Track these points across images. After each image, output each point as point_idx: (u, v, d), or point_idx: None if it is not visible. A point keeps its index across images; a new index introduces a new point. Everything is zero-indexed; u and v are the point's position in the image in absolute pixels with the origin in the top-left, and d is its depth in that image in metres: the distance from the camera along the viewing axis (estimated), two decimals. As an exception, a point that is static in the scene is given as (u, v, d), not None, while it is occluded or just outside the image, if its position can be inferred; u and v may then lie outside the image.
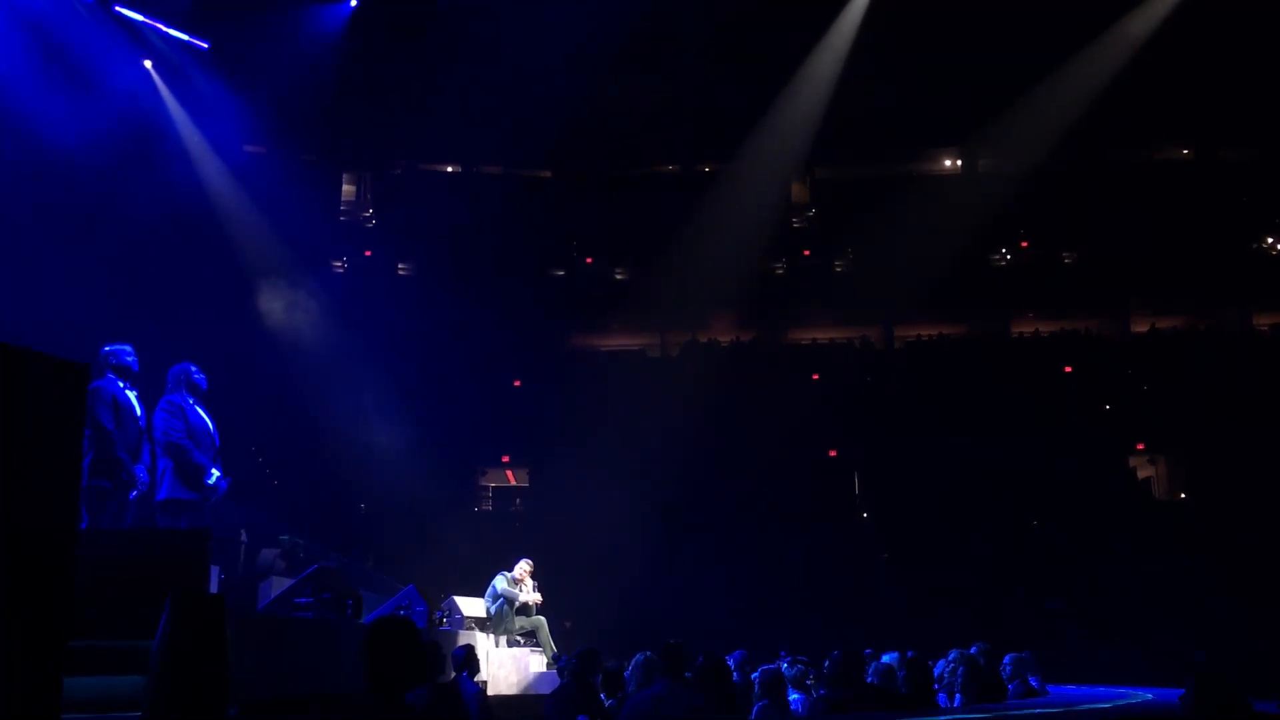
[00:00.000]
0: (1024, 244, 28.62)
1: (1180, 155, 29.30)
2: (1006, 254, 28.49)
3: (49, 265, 15.91)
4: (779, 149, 25.43)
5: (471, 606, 12.24)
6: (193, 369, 8.69)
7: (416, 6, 22.61)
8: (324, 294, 22.38)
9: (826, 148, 26.49)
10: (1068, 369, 26.48)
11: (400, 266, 27.75)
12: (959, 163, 29.74)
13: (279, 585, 9.45)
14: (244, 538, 10.86)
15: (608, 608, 17.88)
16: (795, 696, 8.14)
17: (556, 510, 22.33)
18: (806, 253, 28.94)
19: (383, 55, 23.36)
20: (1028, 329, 28.21)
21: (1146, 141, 28.48)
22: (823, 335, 28.69)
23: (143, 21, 18.63)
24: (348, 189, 29.54)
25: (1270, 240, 27.60)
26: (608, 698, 8.06)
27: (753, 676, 8.84)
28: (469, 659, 8.87)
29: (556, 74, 22.25)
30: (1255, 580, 18.83)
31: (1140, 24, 23.13)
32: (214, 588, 7.28)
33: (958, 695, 8.43)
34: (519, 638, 12.56)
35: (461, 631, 11.20)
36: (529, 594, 12.75)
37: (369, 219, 29.04)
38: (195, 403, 8.60)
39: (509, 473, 27.59)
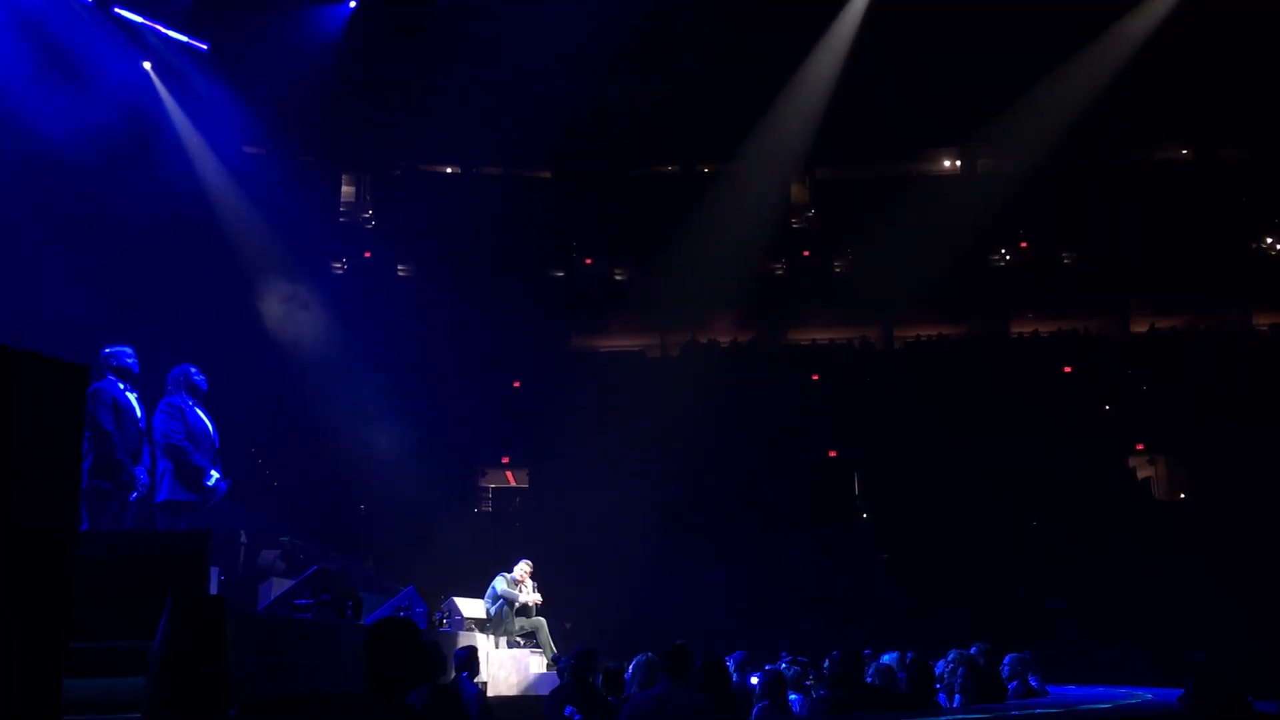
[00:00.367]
0: (1023, 244, 28.63)
1: (1180, 155, 29.30)
2: (1006, 254, 28.50)
3: (49, 266, 15.91)
4: (779, 149, 25.42)
5: (471, 607, 12.24)
6: (192, 371, 8.70)
7: (416, 7, 22.61)
8: (324, 295, 22.41)
9: (826, 148, 26.49)
10: (1067, 369, 26.48)
11: (400, 267, 27.75)
12: (958, 163, 29.74)
13: (279, 586, 9.45)
14: (244, 539, 10.85)
15: (608, 608, 17.87)
16: (793, 697, 8.14)
17: (556, 511, 22.33)
18: (806, 253, 28.95)
19: (382, 56, 23.35)
20: (1027, 329, 28.21)
21: (1146, 141, 28.48)
22: (822, 335, 28.69)
23: (142, 23, 18.62)
24: (347, 190, 29.54)
25: (1270, 240, 27.60)
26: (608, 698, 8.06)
27: (753, 677, 8.86)
28: (470, 660, 8.87)
29: (556, 74, 22.25)
30: (1255, 580, 18.82)
31: (1140, 23, 23.12)
32: (214, 589, 7.29)
33: (957, 695, 8.43)
34: (519, 639, 12.57)
35: (461, 632, 11.20)
36: (529, 594, 12.75)
37: (369, 220, 29.04)
38: (195, 404, 8.61)
39: (509, 473, 27.59)
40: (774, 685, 7.40)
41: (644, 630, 14.57)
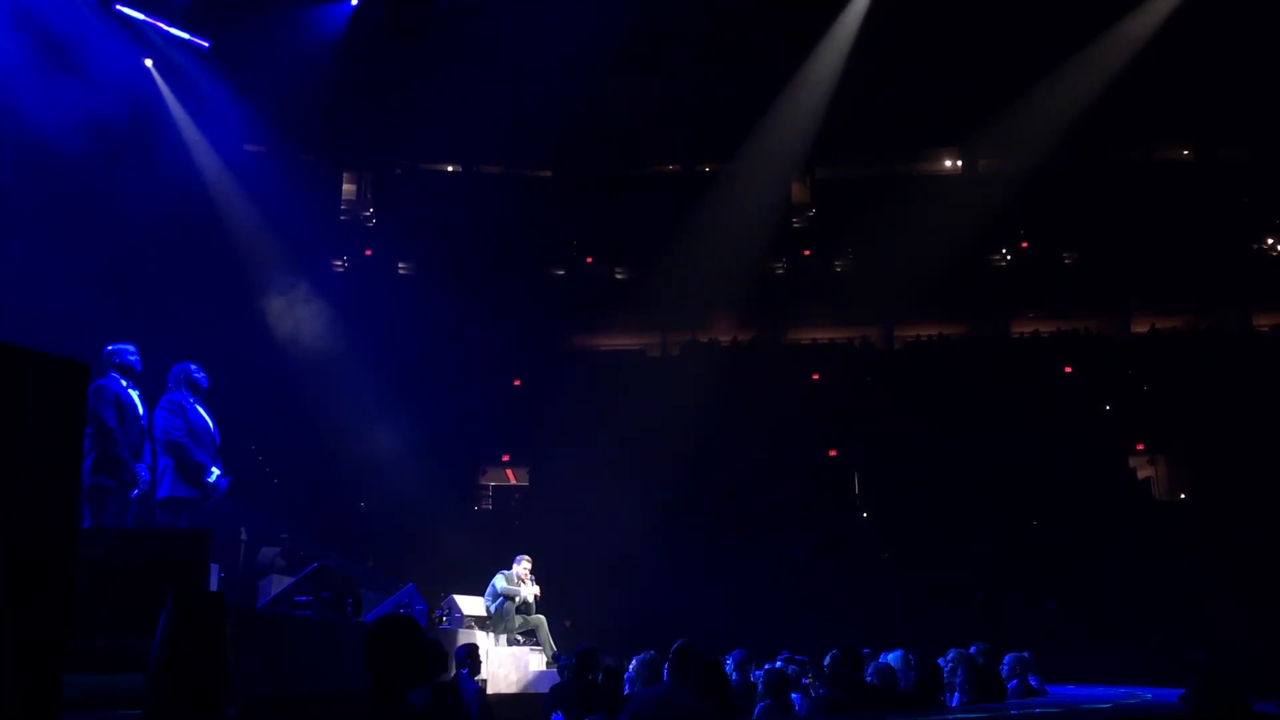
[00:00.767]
0: (1024, 244, 28.65)
1: (1180, 155, 29.31)
2: (1007, 254, 28.51)
3: (49, 264, 15.89)
4: (779, 149, 25.42)
5: (471, 605, 12.23)
6: (193, 368, 8.71)
7: (417, 6, 22.62)
8: (324, 293, 22.38)
9: (827, 147, 26.50)
10: (1068, 369, 26.48)
11: (400, 265, 27.76)
12: (959, 163, 29.74)
13: (279, 583, 9.44)
14: (244, 536, 10.84)
15: (607, 606, 17.88)
16: (793, 696, 8.14)
17: (556, 509, 22.32)
18: (806, 253, 28.97)
19: (383, 54, 23.36)
20: (1028, 329, 28.22)
21: (1147, 142, 28.50)
22: (823, 335, 28.70)
23: (143, 20, 18.61)
24: (348, 188, 29.54)
25: (1270, 241, 27.61)
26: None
27: (754, 675, 8.86)
28: (470, 658, 8.87)
29: (557, 73, 22.26)
30: (1256, 580, 18.82)
31: (1141, 24, 23.11)
32: (214, 586, 7.28)
33: (956, 694, 8.44)
34: (519, 636, 12.57)
35: (461, 630, 11.20)
36: (529, 588, 12.75)
37: (369, 218, 29.04)
38: (195, 401, 8.61)
39: (509, 472, 27.59)
40: (776, 684, 7.41)
41: (644, 629, 14.57)
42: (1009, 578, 20.86)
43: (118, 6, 18.00)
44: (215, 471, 8.48)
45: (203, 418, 8.60)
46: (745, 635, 13.19)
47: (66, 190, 17.52)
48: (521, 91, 23.11)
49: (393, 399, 21.25)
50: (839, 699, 6.91)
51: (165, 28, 18.90)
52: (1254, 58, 23.60)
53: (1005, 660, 9.55)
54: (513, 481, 27.64)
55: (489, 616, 12.38)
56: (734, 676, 8.91)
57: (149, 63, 19.81)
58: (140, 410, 8.23)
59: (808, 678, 9.32)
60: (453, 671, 8.72)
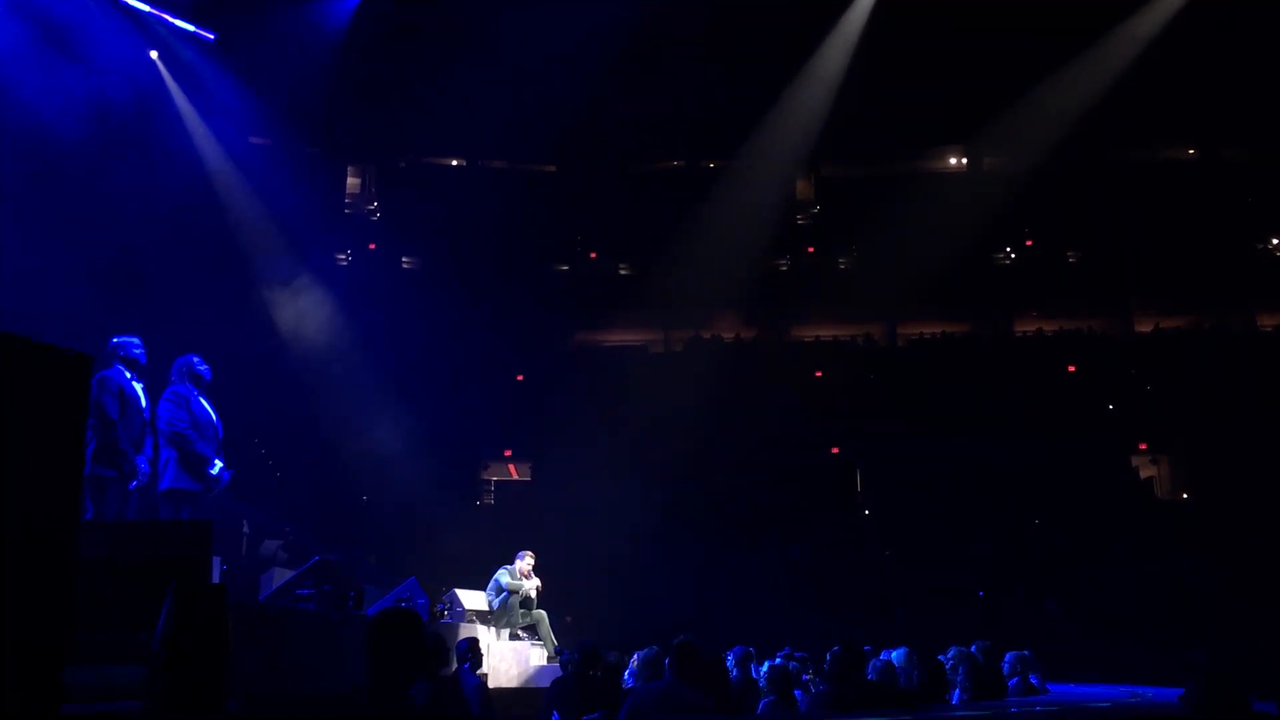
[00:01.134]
0: (1028, 243, 28.61)
1: (1184, 155, 29.27)
2: (1011, 252, 28.49)
3: (52, 257, 15.89)
4: (784, 146, 25.42)
5: (473, 599, 12.25)
6: (196, 360, 8.72)
7: (422, 2, 22.61)
8: (328, 286, 22.40)
9: (831, 145, 26.46)
10: (1071, 368, 26.45)
11: (404, 260, 27.76)
12: (964, 161, 29.70)
13: (280, 577, 9.46)
14: (246, 528, 10.86)
15: (609, 602, 17.90)
16: (794, 693, 8.15)
17: (559, 504, 22.33)
18: (810, 250, 28.95)
19: (388, 49, 23.37)
20: (1031, 328, 28.17)
21: (1151, 141, 28.45)
22: (826, 332, 28.67)
23: (149, 12, 18.61)
24: (352, 182, 29.56)
25: (1275, 241, 27.58)
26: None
27: (755, 672, 8.86)
28: (472, 652, 8.88)
29: (562, 69, 22.25)
30: (1258, 580, 18.81)
31: (1147, 23, 23.11)
32: (216, 578, 7.29)
33: (957, 692, 8.44)
34: (521, 631, 12.59)
35: (463, 624, 11.21)
36: (531, 584, 12.77)
37: (373, 212, 29.04)
38: (199, 394, 8.63)
39: (511, 466, 27.60)
40: (780, 680, 7.41)
41: (644, 625, 14.60)
42: (1011, 576, 20.86)
43: (124, -1, 18.02)
44: (218, 464, 8.50)
45: (206, 410, 8.63)
46: (746, 632, 13.20)
47: (70, 183, 17.53)
48: (526, 86, 23.09)
49: (395, 393, 21.27)
50: (839, 696, 6.91)
51: (171, 19, 18.90)
52: (1258, 57, 23.55)
53: (1006, 658, 9.56)
54: (515, 477, 27.65)
55: (491, 611, 12.40)
56: (734, 673, 8.93)
57: (154, 54, 19.82)
58: (143, 403, 8.26)
59: (808, 674, 9.34)
60: (454, 666, 8.73)
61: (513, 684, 11.32)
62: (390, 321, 22.67)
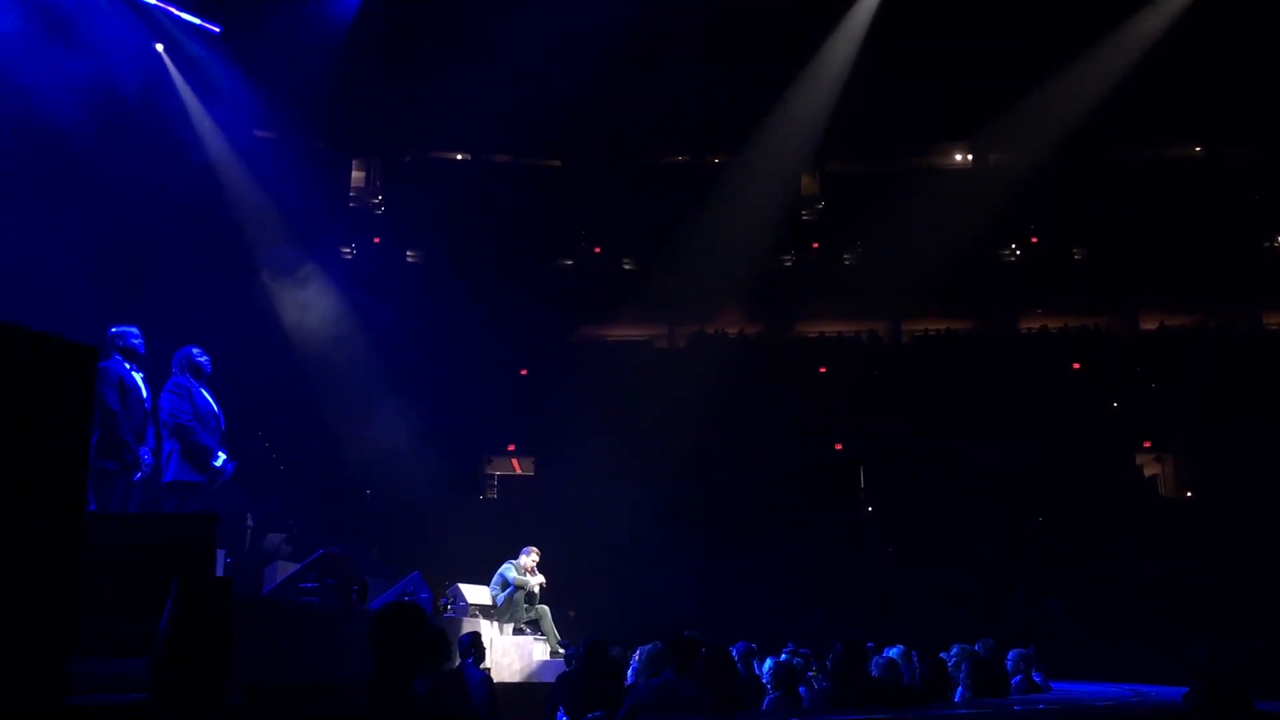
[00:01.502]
0: (1033, 240, 28.55)
1: (1190, 153, 29.20)
2: (1016, 250, 28.44)
3: (56, 247, 15.89)
4: (789, 142, 25.37)
5: (476, 594, 12.27)
6: (195, 352, 8.69)
7: (427, -5, 22.63)
8: (332, 280, 22.40)
9: (837, 141, 26.42)
10: (1075, 366, 26.42)
11: (409, 253, 27.73)
12: (969, 158, 29.65)
13: (284, 570, 9.48)
14: (250, 522, 10.87)
15: (612, 597, 17.91)
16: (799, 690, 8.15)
17: (562, 499, 22.34)
18: (815, 246, 28.90)
19: (394, 42, 23.33)
20: (1035, 326, 28.13)
21: (1157, 139, 28.37)
22: (830, 329, 28.63)
23: (154, 4, 18.61)
24: (357, 175, 29.53)
25: (1280, 240, 27.54)
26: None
27: (760, 668, 8.86)
28: (474, 646, 8.89)
29: (567, 63, 22.20)
30: (1260, 579, 18.79)
31: (1152, 21, 23.06)
32: (220, 571, 7.30)
33: (959, 690, 8.44)
34: (524, 626, 12.61)
35: (466, 619, 11.22)
36: (536, 579, 12.80)
37: (378, 205, 29.03)
38: (200, 385, 8.61)
39: (514, 461, 27.60)
40: (785, 677, 7.42)
41: (647, 620, 14.60)
42: (1013, 574, 20.84)
43: (129, -10, 18.02)
44: (222, 456, 8.49)
45: (208, 402, 8.61)
46: (749, 629, 13.21)
47: (74, 173, 17.52)
48: (531, 81, 23.05)
49: (399, 387, 21.28)
50: (841, 693, 6.91)
51: (176, 12, 18.90)
52: (1263, 55, 23.48)
53: (1009, 656, 9.56)
54: (518, 472, 27.66)
55: (494, 606, 12.42)
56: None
57: (160, 47, 19.82)
58: (144, 393, 8.23)
59: (812, 671, 9.34)
60: (457, 661, 8.74)
61: (515, 679, 11.34)
62: (394, 316, 22.66)
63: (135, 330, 8.30)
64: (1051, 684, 10.34)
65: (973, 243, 25.29)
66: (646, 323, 28.96)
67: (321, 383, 21.53)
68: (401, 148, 28.80)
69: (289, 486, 19.36)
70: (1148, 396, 25.76)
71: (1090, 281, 27.31)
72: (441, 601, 11.15)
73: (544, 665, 11.85)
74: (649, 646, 7.62)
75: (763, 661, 9.34)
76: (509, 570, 12.66)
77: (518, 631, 12.47)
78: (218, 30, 19.40)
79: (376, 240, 27.58)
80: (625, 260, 28.82)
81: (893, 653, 8.81)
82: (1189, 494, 25.33)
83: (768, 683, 7.73)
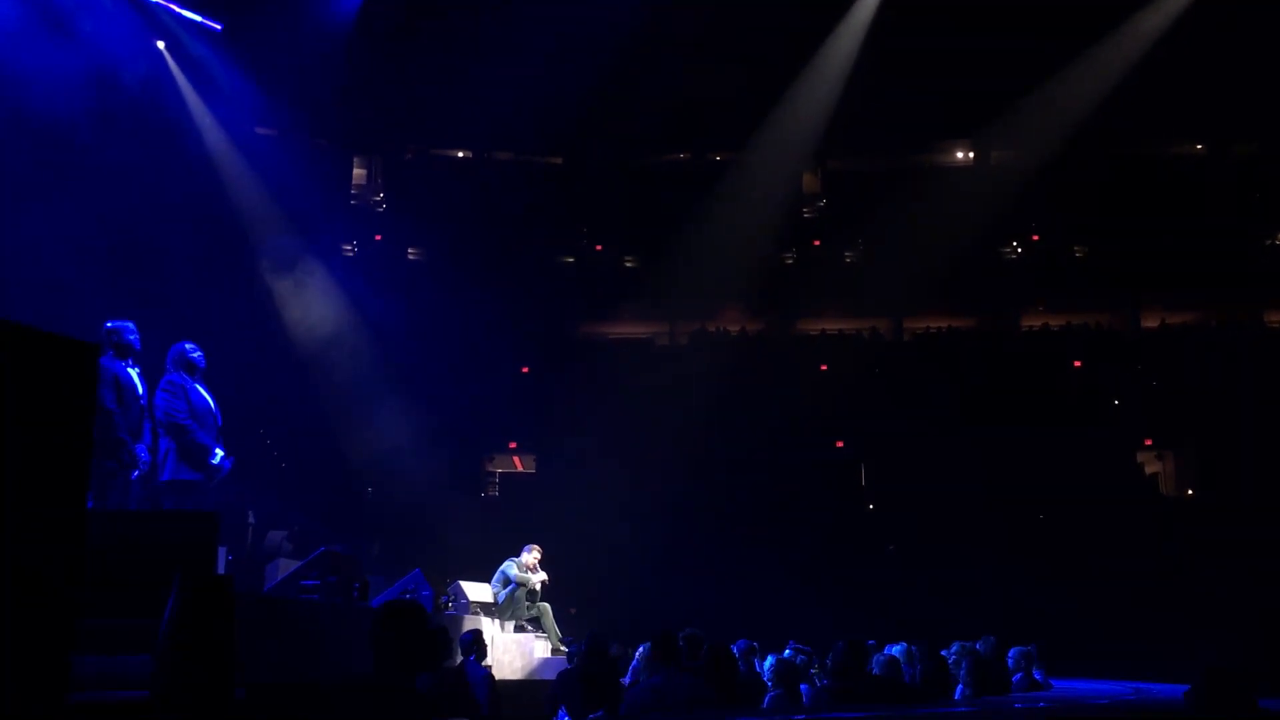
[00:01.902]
0: (1035, 237, 28.53)
1: (1193, 150, 29.17)
2: (1017, 247, 28.41)
3: (56, 244, 15.88)
4: (791, 139, 25.35)
5: (477, 591, 12.28)
6: (188, 348, 8.62)
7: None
8: (334, 277, 22.39)
9: (838, 138, 26.40)
10: (1077, 364, 26.41)
11: (410, 251, 27.72)
12: (971, 155, 29.62)
13: (286, 567, 9.48)
14: (252, 519, 10.89)
15: (613, 594, 17.92)
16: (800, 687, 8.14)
17: (563, 497, 22.32)
18: (817, 243, 28.88)
19: (395, 39, 23.31)
20: (1037, 323, 28.11)
21: (1158, 136, 28.34)
22: (832, 326, 28.61)
23: (156, 2, 18.60)
24: (358, 173, 29.49)
25: (1283, 237, 27.50)
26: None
27: (760, 666, 8.86)
28: (476, 644, 8.89)
29: (569, 60, 22.17)
30: (1263, 577, 18.78)
31: (1156, 18, 23.03)
32: (221, 569, 7.31)
33: (960, 687, 8.44)
34: (525, 624, 12.61)
35: (467, 616, 11.23)
36: (537, 576, 12.80)
37: (379, 203, 29.00)
38: (195, 382, 8.54)
39: (516, 459, 27.61)
40: (787, 674, 7.41)
41: (648, 618, 14.58)
42: (1014, 573, 20.82)
43: (130, -13, 18.00)
44: (219, 453, 8.45)
45: (204, 398, 8.54)
46: (750, 625, 13.21)
47: (74, 170, 17.49)
48: (533, 78, 23.01)
49: (401, 384, 21.28)
50: (844, 690, 6.91)
51: (177, 9, 18.89)
52: (1266, 52, 23.43)
53: (1010, 654, 9.56)
54: (520, 469, 27.66)
55: (496, 603, 12.42)
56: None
57: (161, 45, 19.81)
58: (140, 390, 8.18)
59: (814, 669, 9.33)
60: (458, 658, 8.75)
61: (516, 676, 11.35)
62: (396, 312, 22.65)
63: (131, 325, 8.24)
64: (1053, 682, 10.33)
65: (974, 240, 25.27)
66: (648, 320, 28.96)
67: (323, 380, 21.52)
68: (403, 145, 28.77)
69: (290, 484, 19.37)
70: (1149, 394, 25.75)
71: (1092, 279, 27.26)
72: (443, 599, 11.18)
73: (545, 663, 11.86)
74: (650, 643, 7.61)
75: (764, 659, 9.33)
76: (510, 567, 12.67)
77: (519, 629, 12.48)
78: (219, 28, 19.38)
79: (378, 237, 27.55)
80: (627, 258, 28.81)
81: (894, 650, 8.81)
82: (1190, 492, 25.32)
83: (769, 680, 7.72)
